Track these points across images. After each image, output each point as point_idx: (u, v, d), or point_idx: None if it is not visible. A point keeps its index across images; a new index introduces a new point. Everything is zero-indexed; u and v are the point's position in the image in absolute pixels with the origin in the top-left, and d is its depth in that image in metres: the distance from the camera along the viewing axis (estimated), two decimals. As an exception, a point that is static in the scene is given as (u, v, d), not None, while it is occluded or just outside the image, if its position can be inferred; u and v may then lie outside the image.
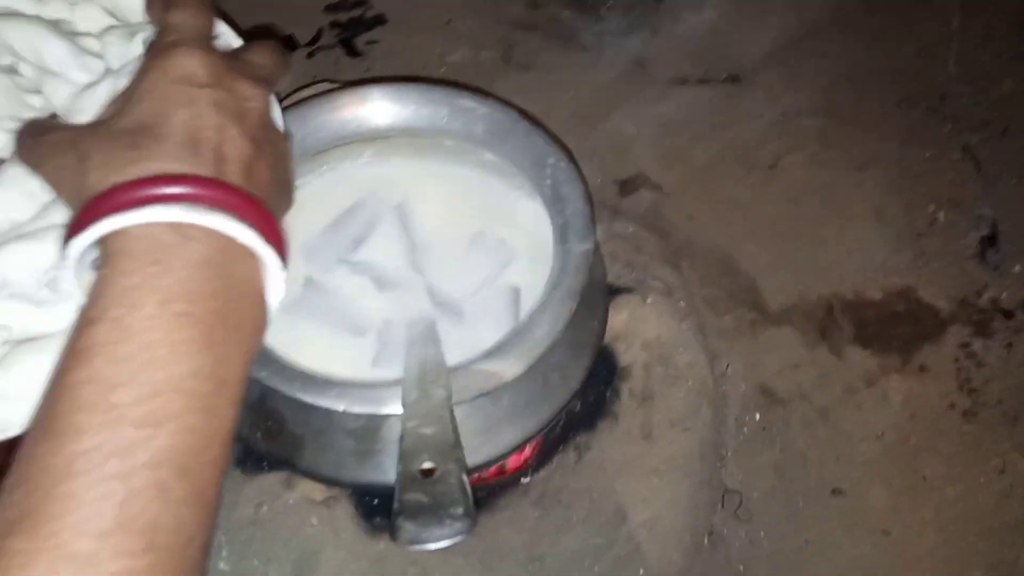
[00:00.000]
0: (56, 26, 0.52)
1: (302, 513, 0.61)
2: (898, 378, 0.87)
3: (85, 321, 0.33)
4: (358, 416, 0.55)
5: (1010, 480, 0.82)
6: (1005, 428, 0.85)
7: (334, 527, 0.61)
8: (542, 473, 0.69)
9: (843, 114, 1.06)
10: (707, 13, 1.14)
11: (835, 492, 0.80)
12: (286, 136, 0.46)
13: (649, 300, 0.71)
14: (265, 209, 0.38)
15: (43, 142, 0.39)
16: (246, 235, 0.36)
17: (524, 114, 0.69)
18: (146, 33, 0.51)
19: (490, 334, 0.62)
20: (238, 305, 0.37)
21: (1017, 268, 0.94)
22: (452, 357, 0.60)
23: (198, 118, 0.38)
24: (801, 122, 1.05)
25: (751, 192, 0.98)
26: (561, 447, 0.69)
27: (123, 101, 0.39)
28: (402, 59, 1.05)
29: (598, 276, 0.66)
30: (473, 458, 0.59)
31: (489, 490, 0.69)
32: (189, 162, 0.37)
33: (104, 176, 0.36)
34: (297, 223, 0.66)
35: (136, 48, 0.50)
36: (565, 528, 0.67)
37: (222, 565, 0.60)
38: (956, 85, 1.08)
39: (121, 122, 0.38)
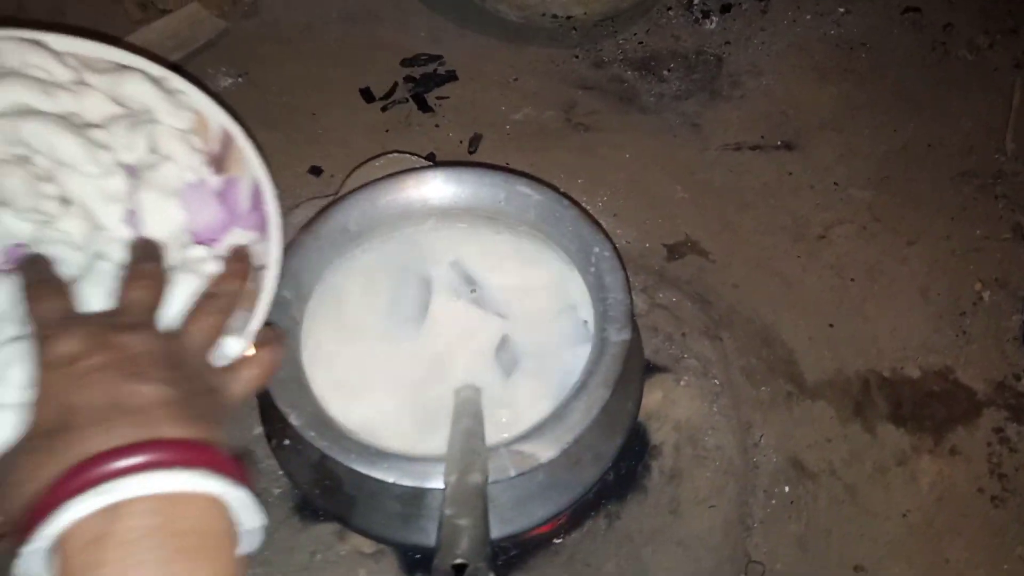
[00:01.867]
0: (67, 122, 0.59)
1: (352, 564, 0.67)
2: (929, 459, 0.89)
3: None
4: (405, 486, 0.61)
5: (1034, 568, 0.84)
6: (1033, 516, 0.87)
7: (379, 580, 0.67)
8: (573, 536, 0.74)
9: (895, 187, 1.08)
10: (766, 79, 1.17)
11: (857, 569, 0.83)
12: (226, 374, 0.47)
13: (683, 382, 0.75)
14: (198, 443, 0.39)
15: None
16: (181, 480, 0.37)
17: (573, 202, 0.73)
18: (149, 125, 0.59)
19: (531, 399, 0.68)
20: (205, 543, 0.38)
21: (1059, 355, 0.95)
22: (497, 412, 0.67)
23: (85, 394, 0.39)
24: (852, 193, 1.07)
25: (797, 262, 1.01)
26: (592, 514, 0.74)
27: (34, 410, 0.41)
28: (469, 115, 1.11)
29: (634, 361, 0.71)
30: (507, 528, 0.65)
31: (522, 547, 0.74)
32: (102, 438, 0.38)
33: (24, 475, 0.37)
34: (365, 289, 0.73)
35: (140, 138, 0.58)
36: (592, 590, 0.72)
37: (278, 605, 0.67)
38: (1012, 163, 1.09)
39: (34, 435, 0.39)
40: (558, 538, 0.74)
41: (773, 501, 0.85)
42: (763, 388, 0.91)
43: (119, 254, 0.55)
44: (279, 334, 0.57)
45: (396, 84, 1.14)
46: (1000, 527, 0.86)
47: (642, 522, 0.73)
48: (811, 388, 0.92)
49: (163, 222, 0.59)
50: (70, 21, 1.14)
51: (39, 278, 0.47)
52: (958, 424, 0.91)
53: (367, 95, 1.13)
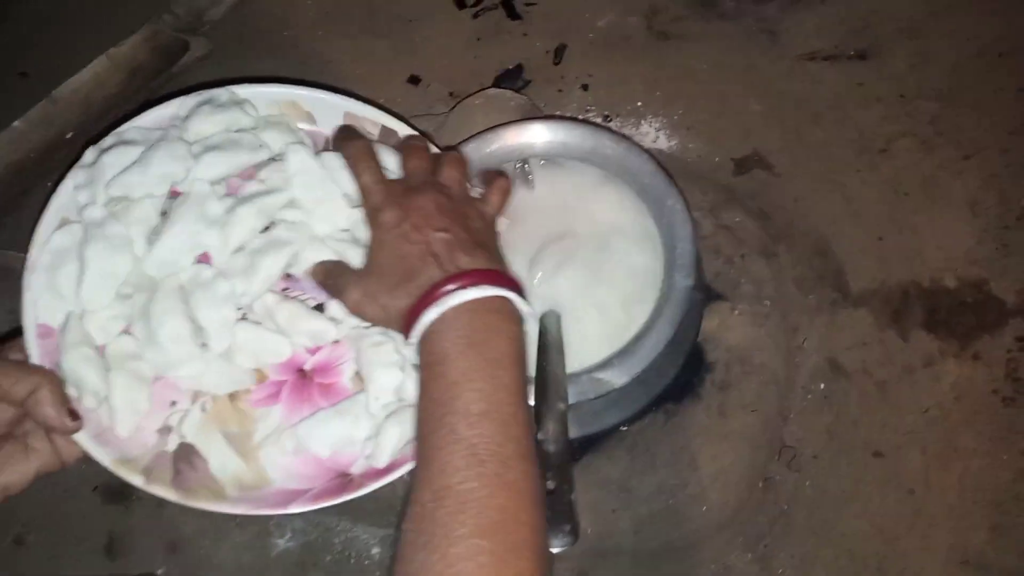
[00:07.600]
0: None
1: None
2: (953, 362, 1.02)
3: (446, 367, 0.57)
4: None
5: (1031, 459, 0.98)
6: (1038, 416, 1.00)
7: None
8: (636, 426, 0.91)
9: (961, 97, 1.13)
10: (850, -19, 1.20)
11: (876, 454, 0.99)
12: (480, 203, 0.70)
13: (737, 311, 0.89)
14: (496, 272, 0.61)
15: (336, 279, 0.66)
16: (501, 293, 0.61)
17: (651, 156, 0.84)
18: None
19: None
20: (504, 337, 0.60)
21: (1091, 273, 1.04)
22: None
23: (407, 247, 0.62)
24: (918, 105, 1.13)
25: (857, 176, 1.10)
26: (653, 409, 0.91)
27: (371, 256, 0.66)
28: (556, 22, 1.18)
29: (695, 299, 0.84)
30: (584, 431, 0.83)
31: (595, 435, 0.92)
32: (428, 275, 0.61)
33: (391, 302, 0.62)
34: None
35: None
36: (650, 469, 0.90)
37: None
38: (1082, 76, 1.13)
39: (379, 272, 0.64)
40: (624, 427, 0.92)
41: (809, 396, 1.00)
42: (811, 296, 1.03)
43: None
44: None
45: (487, -10, 1.21)
46: (1008, 423, 1.00)
47: (694, 420, 0.89)
48: (855, 296, 1.04)
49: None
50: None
51: (355, 152, 0.69)
52: (984, 332, 1.03)
53: (459, 1, 1.21)
